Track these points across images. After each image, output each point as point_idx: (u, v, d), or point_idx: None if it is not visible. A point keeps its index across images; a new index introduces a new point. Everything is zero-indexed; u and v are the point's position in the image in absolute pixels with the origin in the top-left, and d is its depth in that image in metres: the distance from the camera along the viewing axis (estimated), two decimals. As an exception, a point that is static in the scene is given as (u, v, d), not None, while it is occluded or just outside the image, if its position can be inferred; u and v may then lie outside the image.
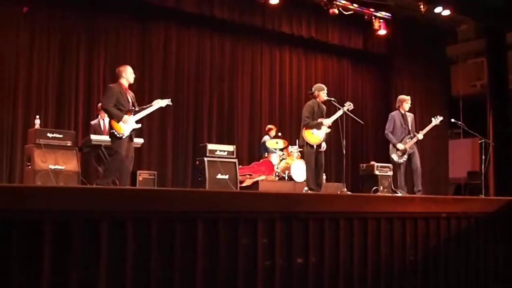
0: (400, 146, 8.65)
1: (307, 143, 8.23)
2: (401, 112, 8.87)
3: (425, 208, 5.79)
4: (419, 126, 9.47)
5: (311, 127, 8.18)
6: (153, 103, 7.69)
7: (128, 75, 7.27)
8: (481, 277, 6.19)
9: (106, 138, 8.14)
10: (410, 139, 8.70)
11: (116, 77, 7.29)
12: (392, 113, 8.98)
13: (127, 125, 7.07)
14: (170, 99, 7.95)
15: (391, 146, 8.76)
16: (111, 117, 7.05)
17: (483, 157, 9.40)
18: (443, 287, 5.82)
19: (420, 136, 8.74)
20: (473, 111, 13.96)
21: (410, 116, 8.90)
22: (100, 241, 3.78)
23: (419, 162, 8.76)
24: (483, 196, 8.83)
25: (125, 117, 7.04)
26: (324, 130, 8.22)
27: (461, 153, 14.68)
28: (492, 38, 13.23)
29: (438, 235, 5.83)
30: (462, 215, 6.08)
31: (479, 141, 9.54)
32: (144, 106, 7.54)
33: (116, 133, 6.99)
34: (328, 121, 8.22)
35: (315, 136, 8.20)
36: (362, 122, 9.05)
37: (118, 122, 7.00)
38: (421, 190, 8.61)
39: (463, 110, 14.37)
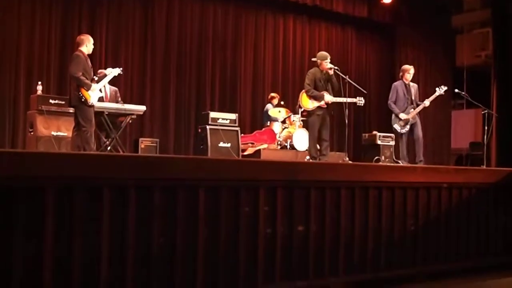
0: (402, 116, 8.62)
1: (307, 112, 8.23)
2: (404, 82, 8.83)
3: (426, 178, 5.80)
4: (422, 97, 9.44)
5: (312, 97, 8.14)
6: (106, 72, 7.73)
7: (89, 44, 7.30)
8: (480, 247, 6.23)
9: (109, 104, 8.14)
10: (413, 109, 8.67)
11: (77, 45, 7.29)
12: (395, 83, 8.94)
13: (95, 93, 7.12)
14: (121, 68, 8.00)
15: (393, 116, 8.74)
16: (81, 85, 7.04)
17: (486, 128, 9.37)
18: (443, 256, 5.87)
19: (426, 103, 8.70)
20: (477, 82, 13.86)
21: (413, 87, 8.86)
22: (102, 208, 3.79)
23: (421, 132, 8.75)
24: (484, 167, 8.84)
25: (93, 85, 7.10)
26: (322, 102, 8.15)
27: (463, 123, 14.66)
28: (498, 8, 13.08)
29: (439, 205, 5.84)
30: (463, 186, 6.09)
31: (482, 112, 9.49)
32: (99, 75, 7.58)
33: (87, 101, 7.01)
34: (330, 98, 8.15)
35: (310, 102, 8.17)
36: (365, 92, 9.00)
37: (87, 90, 7.02)
38: (423, 160, 8.62)
39: (467, 81, 14.27)
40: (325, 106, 8.14)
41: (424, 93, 10.78)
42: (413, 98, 8.75)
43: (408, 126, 8.64)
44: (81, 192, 3.72)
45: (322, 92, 8.12)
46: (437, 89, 8.92)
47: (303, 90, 8.26)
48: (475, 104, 9.74)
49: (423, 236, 5.69)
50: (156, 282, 4.00)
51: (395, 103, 8.75)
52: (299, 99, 8.39)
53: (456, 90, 9.88)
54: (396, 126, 8.68)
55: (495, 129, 11.59)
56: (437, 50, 14.09)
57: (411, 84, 8.85)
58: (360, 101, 8.36)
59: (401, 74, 8.94)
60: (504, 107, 12.38)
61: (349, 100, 8.22)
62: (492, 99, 12.64)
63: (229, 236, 4.38)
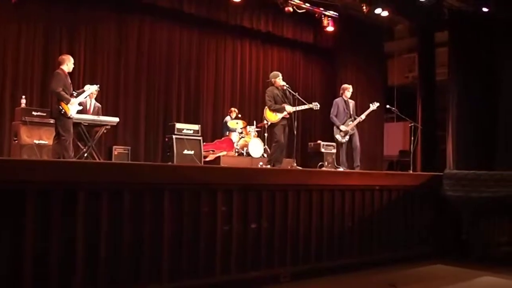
0: (342, 127, 8.73)
1: (270, 123, 8.23)
2: (344, 99, 8.94)
3: (362, 182, 5.89)
4: (359, 111, 9.56)
5: (274, 110, 8.15)
6: (85, 88, 7.64)
7: (70, 63, 7.19)
8: (408, 239, 6.35)
9: (86, 116, 8.02)
10: (351, 122, 8.79)
11: (58, 64, 7.18)
12: (336, 100, 9.04)
13: (73, 106, 7.04)
14: (98, 85, 7.92)
15: (335, 128, 8.83)
16: (61, 100, 6.93)
17: (412, 138, 9.54)
18: (376, 248, 5.96)
19: (363, 116, 8.83)
20: (405, 99, 14.10)
21: (351, 103, 8.98)
22: (77, 210, 3.74)
23: (358, 141, 8.86)
24: (411, 172, 9.01)
25: (72, 99, 7.01)
26: (284, 113, 8.17)
27: (394, 134, 14.89)
28: (423, 37, 13.40)
29: (373, 205, 5.95)
30: (393, 188, 6.21)
31: (409, 125, 9.65)
32: (78, 91, 7.48)
33: (66, 114, 6.92)
34: (290, 109, 8.16)
35: (275, 116, 8.19)
36: (311, 106, 9.07)
37: (67, 104, 6.93)
38: (359, 166, 8.73)
39: (397, 98, 14.52)
40: (288, 116, 8.17)
41: (361, 108, 10.87)
42: (351, 112, 8.87)
43: (347, 137, 8.74)
44: (58, 196, 3.66)
45: (282, 105, 8.15)
46: (370, 105, 9.06)
47: (266, 106, 8.27)
48: (404, 118, 9.92)
49: (359, 231, 5.78)
50: (125, 273, 3.95)
51: (336, 116, 8.85)
52: (264, 115, 8.34)
53: (388, 106, 10.06)
54: (338, 137, 8.77)
55: (420, 139, 11.81)
56: (372, 72, 14.31)
57: (350, 100, 8.97)
58: (316, 105, 8.41)
59: (341, 92, 9.05)
60: (427, 120, 12.67)
61: (307, 106, 8.25)
62: (417, 113, 12.91)
63: (191, 232, 4.36)
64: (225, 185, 4.62)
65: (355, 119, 8.83)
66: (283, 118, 8.13)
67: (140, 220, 4.06)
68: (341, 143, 8.80)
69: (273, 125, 8.26)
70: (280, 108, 8.12)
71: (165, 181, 4.25)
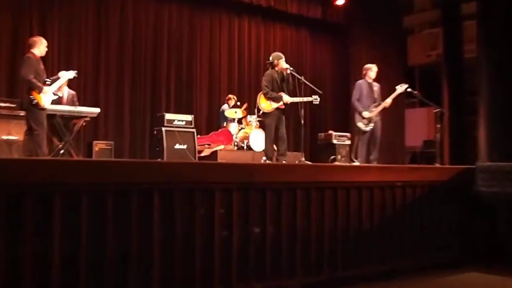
0: (366, 114, 8.66)
1: (263, 112, 8.23)
2: (367, 81, 8.87)
3: (381, 177, 5.85)
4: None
5: (270, 98, 8.12)
6: (59, 75, 7.58)
7: (42, 47, 7.13)
8: (435, 243, 6.32)
9: (61, 107, 7.99)
10: (374, 108, 8.73)
11: (28, 47, 7.13)
12: (359, 81, 8.96)
13: (47, 96, 6.97)
14: (76, 71, 7.85)
15: (356, 114, 8.75)
16: (33, 88, 6.87)
17: (438, 126, 9.49)
18: (399, 255, 5.92)
19: (388, 100, 8.74)
20: (428, 81, 14.08)
21: (376, 86, 8.89)
22: (53, 214, 3.71)
23: (380, 130, 8.82)
24: (438, 165, 8.96)
25: (45, 88, 6.94)
26: (280, 103, 8.14)
27: (417, 122, 14.84)
28: (447, 9, 13.31)
29: (394, 204, 5.91)
30: (417, 184, 6.17)
31: (434, 110, 9.60)
32: (52, 78, 7.41)
33: (38, 104, 6.86)
34: (288, 99, 8.14)
35: (269, 104, 8.15)
36: (320, 92, 9.02)
37: (39, 93, 6.87)
38: (376, 159, 8.69)
39: (419, 80, 14.49)
40: (283, 107, 8.14)
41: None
42: (375, 96, 8.80)
43: (372, 124, 8.68)
44: (31, 199, 3.63)
45: (279, 93, 8.11)
46: (397, 87, 8.95)
47: (261, 92, 8.24)
48: (427, 103, 9.86)
49: (379, 235, 5.74)
50: (109, 287, 3.92)
51: (358, 101, 8.78)
52: (258, 101, 8.35)
53: (409, 89, 9.99)
54: (360, 124, 8.69)
55: (447, 126, 11.78)
56: (389, 50, 14.24)
57: (374, 83, 8.89)
58: (315, 99, 8.37)
59: (364, 72, 8.96)
60: (455, 105, 12.60)
61: (305, 99, 8.22)
62: (443, 97, 12.85)
63: (185, 239, 4.33)
64: (223, 183, 4.59)
65: (379, 104, 8.76)
66: (277, 108, 8.11)
67: (126, 226, 4.03)
68: (364, 132, 8.72)
69: (265, 114, 8.25)
70: (277, 97, 8.09)
71: (154, 181, 4.21)
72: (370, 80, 8.86)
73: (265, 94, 8.14)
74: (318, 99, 8.38)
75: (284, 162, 7.88)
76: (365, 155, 8.69)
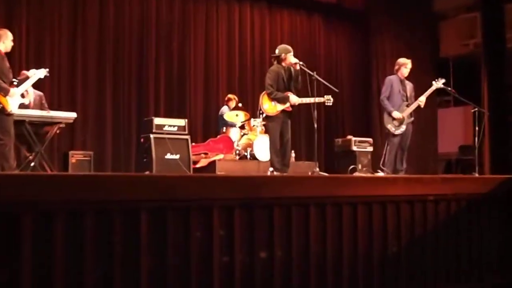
0: (396, 114, 8.71)
1: (265, 115, 8.26)
2: (399, 78, 8.95)
3: (409, 190, 5.84)
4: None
5: (275, 99, 8.14)
6: (29, 74, 7.61)
7: (8, 41, 7.18)
8: (474, 267, 6.30)
9: (32, 112, 8.04)
10: (406, 107, 8.77)
11: None
12: (390, 77, 9.04)
13: (14, 99, 6.99)
14: (47, 69, 7.88)
15: (385, 115, 8.82)
16: None
17: (477, 128, 9.50)
18: (431, 280, 5.91)
19: (422, 99, 8.82)
20: (465, 75, 14.07)
21: (409, 84, 9.01)
22: (22, 238, 3.71)
23: (410, 136, 8.87)
24: (477, 175, 8.96)
25: (12, 90, 6.97)
26: (285, 105, 8.17)
27: (451, 124, 14.85)
28: (486, -11, 13.35)
29: (425, 221, 5.89)
30: (452, 197, 6.15)
31: (472, 110, 9.62)
32: (20, 78, 7.45)
33: (4, 109, 6.89)
34: (296, 100, 8.16)
35: (273, 106, 8.18)
36: (336, 90, 9.06)
37: (5, 96, 6.90)
38: (405, 169, 8.71)
39: (454, 74, 14.47)
40: (290, 109, 8.16)
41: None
42: (408, 95, 8.86)
43: (404, 126, 8.73)
44: (-3, 220, 3.65)
45: (286, 93, 8.12)
46: (433, 82, 9.04)
47: (264, 92, 8.27)
48: (464, 101, 9.87)
49: (407, 258, 5.73)
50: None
51: (388, 99, 8.84)
52: (260, 102, 8.38)
53: (442, 85, 10.00)
54: (390, 127, 8.75)
55: (487, 129, 11.76)
56: (417, 39, 14.26)
57: (407, 82, 8.99)
58: (328, 100, 8.39)
59: (396, 68, 9.07)
60: (496, 103, 12.57)
61: (317, 100, 8.24)
62: (483, 94, 12.84)
63: (178, 267, 4.33)
64: (223, 200, 4.59)
65: (411, 103, 8.83)
66: (283, 110, 8.13)
67: (107, 252, 4.03)
68: (393, 135, 8.76)
69: (268, 118, 8.27)
70: (283, 98, 8.11)
71: (142, 198, 4.22)
72: (402, 77, 8.94)
73: (269, 94, 8.16)
74: (332, 99, 8.40)
75: (285, 174, 7.90)
76: (393, 163, 8.72)
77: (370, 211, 5.49)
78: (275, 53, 8.46)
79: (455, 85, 11.45)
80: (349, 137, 11.90)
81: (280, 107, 8.12)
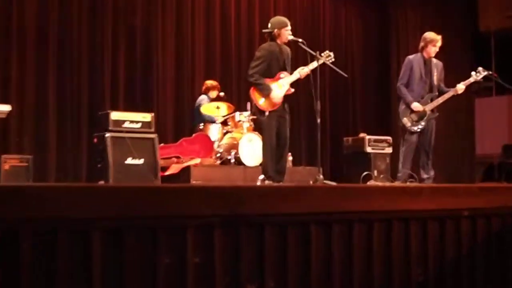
0: (416, 106, 8.72)
1: (258, 109, 8.27)
2: (424, 58, 8.93)
3: (438, 204, 5.86)
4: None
5: (257, 86, 8.16)
6: None
7: None
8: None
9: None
10: (431, 99, 8.77)
11: None
12: (411, 57, 9.05)
13: None
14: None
15: (402, 106, 8.82)
16: None
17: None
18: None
19: (460, 86, 8.83)
20: (510, 54, 14.14)
21: (437, 66, 8.96)
22: None
23: (434, 134, 8.88)
24: (525, 182, 9.02)
25: None
26: (283, 89, 8.20)
27: (493, 117, 14.90)
28: None
29: (458, 243, 5.92)
30: (494, 212, 6.18)
31: (520, 99, 9.70)
32: None
33: None
34: (278, 94, 8.18)
35: (258, 96, 8.21)
36: (346, 76, 9.10)
37: None
38: (432, 176, 8.74)
39: (496, 53, 14.55)
40: (276, 106, 8.18)
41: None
42: (434, 82, 8.86)
43: (423, 123, 8.74)
44: None
45: (268, 84, 8.13)
46: (472, 73, 9.05)
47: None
48: (509, 88, 9.91)
49: (437, 289, 5.77)
50: None
51: (407, 86, 8.84)
52: (252, 96, 8.38)
53: (480, 69, 10.04)
54: (406, 121, 8.77)
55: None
56: (450, 10, 14.32)
57: (434, 61, 8.95)
58: (329, 57, 8.42)
59: (422, 45, 9.05)
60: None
61: (311, 66, 8.24)
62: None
63: (142, 303, 4.35)
64: (199, 217, 4.59)
65: (440, 93, 8.83)
66: (281, 103, 8.17)
67: (49, 284, 4.03)
68: (411, 133, 8.78)
69: (262, 112, 8.28)
70: (265, 89, 8.12)
71: (94, 215, 4.21)
72: (428, 56, 8.92)
73: (249, 77, 8.20)
74: (332, 56, 8.43)
75: (280, 183, 7.92)
76: (408, 170, 8.75)
77: (388, 230, 5.51)
78: (267, 28, 8.47)
79: (497, 67, 11.51)
80: (361, 135, 11.93)
81: (278, 96, 8.13)
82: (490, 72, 9.91)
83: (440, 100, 8.82)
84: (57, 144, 11.26)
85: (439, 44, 9.00)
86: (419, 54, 8.99)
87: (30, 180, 9.39)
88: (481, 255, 6.06)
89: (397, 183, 8.69)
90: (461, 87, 8.85)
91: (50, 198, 4.23)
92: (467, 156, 14.32)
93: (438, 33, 12.45)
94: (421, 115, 8.75)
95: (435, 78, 8.91)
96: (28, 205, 4.09)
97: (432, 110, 8.79)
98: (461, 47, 13.62)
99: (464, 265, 5.95)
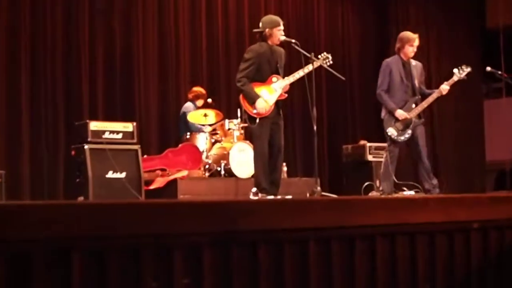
0: (400, 114, 8.74)
1: (249, 116, 8.28)
2: (402, 59, 8.96)
3: (446, 216, 5.87)
4: (435, 82, 9.56)
5: (244, 94, 8.17)
6: None
7: None
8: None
9: None
10: (415, 104, 8.80)
11: None
12: (388, 60, 9.09)
13: None
14: None
15: (385, 114, 8.84)
16: None
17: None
18: None
19: (444, 87, 8.84)
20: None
21: (416, 67, 8.99)
22: None
23: (424, 139, 8.89)
24: (540, 191, 9.03)
25: None
26: (275, 94, 8.20)
27: (504, 120, 14.93)
28: None
29: (468, 258, 5.93)
30: (505, 225, 6.20)
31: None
32: None
33: None
34: (266, 103, 8.19)
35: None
36: (343, 78, 9.12)
37: None
38: (437, 185, 8.75)
39: (505, 51, 14.59)
40: (266, 114, 8.18)
41: (437, 74, 10.93)
42: (416, 85, 8.87)
43: (409, 131, 8.76)
44: None
45: (255, 92, 8.15)
46: (455, 71, 9.07)
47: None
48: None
49: (446, 310, 5.78)
50: None
51: (387, 92, 8.86)
52: (242, 103, 8.40)
53: (489, 68, 10.06)
54: (391, 130, 8.79)
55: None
56: (456, 6, 14.37)
57: (414, 62, 8.97)
58: (326, 60, 8.45)
59: (398, 46, 9.09)
60: None
61: (307, 69, 8.28)
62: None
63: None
64: (187, 235, 4.59)
65: (423, 96, 8.86)
66: (275, 109, 8.20)
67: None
68: (395, 143, 8.82)
69: (252, 119, 8.29)
70: (251, 97, 8.13)
71: (74, 234, 4.21)
72: (406, 58, 8.96)
73: (237, 82, 8.21)
74: (330, 58, 8.46)
75: (277, 197, 7.92)
76: (393, 180, 8.77)
77: (393, 245, 5.51)
78: (258, 27, 8.49)
79: (507, 67, 11.53)
80: (362, 142, 11.95)
81: (271, 101, 8.14)
82: (500, 72, 9.94)
83: (425, 104, 8.84)
84: (31, 157, 11.23)
85: (416, 43, 9.03)
86: (396, 56, 9.02)
87: (2, 197, 9.36)
88: (493, 271, 6.07)
89: (402, 194, 8.68)
90: (445, 87, 8.87)
91: (24, 217, 4.23)
92: (476, 163, 14.35)
93: (443, 30, 12.54)
94: (406, 123, 8.77)
95: (416, 80, 8.91)
96: (2, 223, 4.09)
97: (418, 116, 8.79)
98: (468, 45, 13.66)
99: (474, 282, 5.96)
